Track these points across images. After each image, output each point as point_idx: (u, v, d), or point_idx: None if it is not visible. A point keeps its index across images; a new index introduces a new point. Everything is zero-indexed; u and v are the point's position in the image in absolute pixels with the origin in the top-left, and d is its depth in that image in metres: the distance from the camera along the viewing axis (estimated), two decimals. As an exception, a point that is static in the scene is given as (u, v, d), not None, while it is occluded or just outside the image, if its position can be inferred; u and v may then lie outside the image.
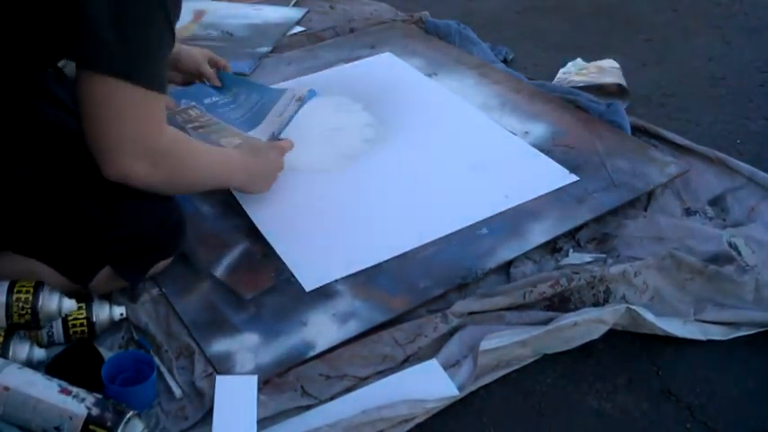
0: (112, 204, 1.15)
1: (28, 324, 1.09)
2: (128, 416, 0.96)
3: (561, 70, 2.03)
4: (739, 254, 1.31)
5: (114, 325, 1.17)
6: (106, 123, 1.05)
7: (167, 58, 1.12)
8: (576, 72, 2.00)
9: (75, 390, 0.98)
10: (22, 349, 1.07)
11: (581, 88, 1.87)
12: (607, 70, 1.98)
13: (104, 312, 1.15)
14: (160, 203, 1.19)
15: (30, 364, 1.06)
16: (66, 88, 1.27)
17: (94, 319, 1.14)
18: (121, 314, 1.16)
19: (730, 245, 1.32)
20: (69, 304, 1.11)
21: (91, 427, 0.95)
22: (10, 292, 1.08)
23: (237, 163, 1.34)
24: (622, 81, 1.92)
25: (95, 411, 0.96)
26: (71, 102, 1.20)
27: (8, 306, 1.08)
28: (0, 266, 1.15)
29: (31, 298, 1.08)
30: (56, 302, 1.10)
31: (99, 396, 0.99)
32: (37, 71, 1.22)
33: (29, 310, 1.08)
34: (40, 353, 1.08)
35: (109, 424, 0.95)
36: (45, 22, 1.04)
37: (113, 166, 1.07)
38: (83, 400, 0.97)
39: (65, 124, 1.17)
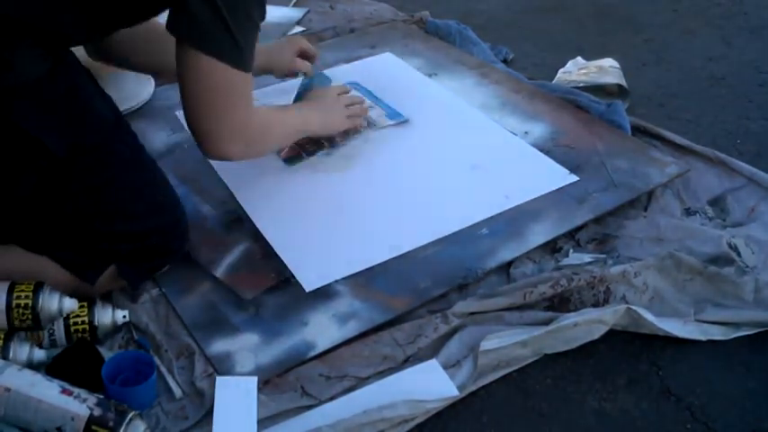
0: (123, 205, 1.17)
1: (29, 327, 1.09)
2: (129, 416, 0.96)
3: (561, 70, 2.03)
4: (739, 255, 1.31)
5: (116, 327, 1.17)
6: (207, 104, 1.14)
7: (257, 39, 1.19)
8: (576, 71, 2.00)
9: (76, 390, 0.98)
10: (22, 351, 1.07)
11: (581, 88, 1.87)
12: (607, 70, 1.97)
13: (107, 316, 1.14)
14: (168, 207, 1.22)
15: (30, 365, 1.06)
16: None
17: (96, 323, 1.13)
18: (124, 317, 1.16)
19: (730, 246, 1.32)
20: (70, 304, 1.11)
21: (93, 427, 0.95)
22: (9, 293, 1.08)
23: (309, 112, 1.50)
24: (623, 81, 1.92)
25: (97, 412, 0.96)
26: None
27: (8, 310, 1.08)
28: (7, 261, 1.15)
29: (30, 302, 1.08)
30: (56, 302, 1.09)
31: (100, 396, 0.99)
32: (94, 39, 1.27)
33: (29, 315, 1.08)
34: (40, 354, 1.08)
35: (111, 424, 0.95)
36: None
37: (213, 148, 1.20)
38: (84, 400, 0.97)
39: (102, 113, 1.19)
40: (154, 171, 1.25)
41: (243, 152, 1.26)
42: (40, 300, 1.08)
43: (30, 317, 1.08)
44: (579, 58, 2.07)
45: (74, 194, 1.13)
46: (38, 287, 1.09)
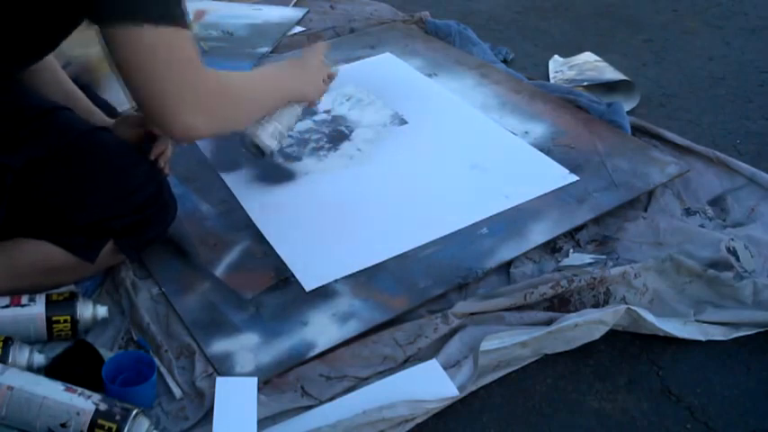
0: (111, 183, 1.18)
1: (66, 335, 1.13)
2: (135, 411, 0.97)
3: (551, 75, 2.02)
4: (738, 259, 1.30)
5: (103, 323, 1.18)
6: (153, 78, 1.03)
7: None
8: (567, 70, 2.00)
9: (80, 389, 0.99)
10: (21, 356, 1.07)
11: (586, 87, 1.87)
12: (598, 66, 1.97)
13: (88, 311, 1.15)
14: (150, 180, 1.23)
15: (30, 369, 1.06)
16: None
17: (78, 317, 1.14)
18: (104, 315, 1.17)
19: (729, 250, 1.31)
20: (102, 311, 1.16)
21: (99, 421, 0.95)
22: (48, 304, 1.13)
23: (288, 75, 1.36)
24: (623, 76, 1.92)
25: (103, 406, 0.96)
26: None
27: (48, 318, 1.12)
28: (9, 251, 1.17)
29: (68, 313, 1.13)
30: (90, 310, 1.15)
31: (104, 395, 0.99)
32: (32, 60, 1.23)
33: (68, 319, 1.12)
34: (39, 358, 1.08)
35: (117, 418, 0.95)
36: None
37: (178, 126, 1.06)
38: (89, 397, 0.97)
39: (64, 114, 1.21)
40: (122, 148, 1.25)
41: (210, 122, 1.10)
42: (78, 308, 1.13)
43: (69, 320, 1.13)
44: (556, 56, 2.08)
45: (55, 188, 1.16)
46: (73, 297, 1.15)
